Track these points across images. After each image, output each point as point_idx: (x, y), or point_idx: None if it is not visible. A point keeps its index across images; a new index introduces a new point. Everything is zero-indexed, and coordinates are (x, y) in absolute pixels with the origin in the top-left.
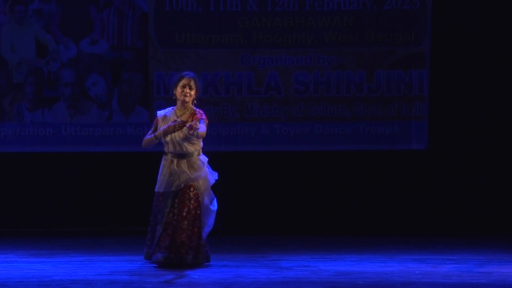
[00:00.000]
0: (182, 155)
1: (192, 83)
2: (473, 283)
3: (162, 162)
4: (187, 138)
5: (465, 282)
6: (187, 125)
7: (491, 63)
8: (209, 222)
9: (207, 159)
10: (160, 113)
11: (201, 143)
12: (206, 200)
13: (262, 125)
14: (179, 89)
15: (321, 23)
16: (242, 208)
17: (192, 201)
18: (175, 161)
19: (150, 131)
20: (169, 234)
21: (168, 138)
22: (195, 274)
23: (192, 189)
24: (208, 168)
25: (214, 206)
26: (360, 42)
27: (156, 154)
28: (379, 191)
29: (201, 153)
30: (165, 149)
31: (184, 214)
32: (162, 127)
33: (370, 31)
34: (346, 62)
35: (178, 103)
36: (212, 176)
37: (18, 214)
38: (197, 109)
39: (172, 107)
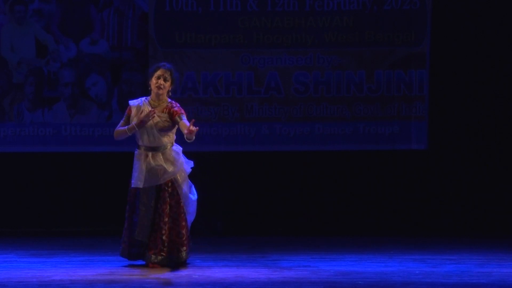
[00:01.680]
0: (156, 148)
1: (167, 75)
2: (473, 283)
3: (136, 157)
4: (163, 130)
5: (465, 282)
6: (185, 130)
7: (491, 63)
8: (191, 210)
9: (181, 148)
10: (133, 102)
11: (174, 135)
12: (184, 188)
13: (262, 125)
14: (153, 80)
15: (321, 23)
16: (242, 208)
17: (173, 196)
18: (150, 155)
19: (121, 121)
20: (159, 236)
21: (142, 130)
22: (195, 274)
23: (170, 184)
24: (184, 158)
25: (194, 195)
26: (360, 42)
27: None
28: (379, 191)
29: (174, 143)
30: (139, 142)
31: (168, 212)
32: (134, 121)
33: (370, 31)
34: (346, 62)
35: (153, 94)
36: (188, 165)
37: (18, 214)
38: (173, 102)
39: (145, 97)
